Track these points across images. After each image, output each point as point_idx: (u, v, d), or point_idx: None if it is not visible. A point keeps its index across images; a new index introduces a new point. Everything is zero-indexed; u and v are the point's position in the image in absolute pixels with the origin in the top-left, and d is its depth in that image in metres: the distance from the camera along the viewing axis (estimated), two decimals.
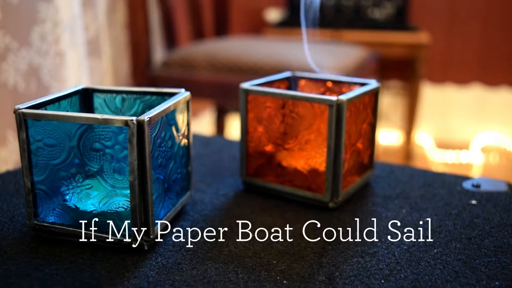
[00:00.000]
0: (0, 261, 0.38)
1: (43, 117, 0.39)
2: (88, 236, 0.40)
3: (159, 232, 0.42)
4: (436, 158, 1.93)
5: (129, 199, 0.38)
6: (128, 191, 0.38)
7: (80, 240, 0.40)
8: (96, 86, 0.48)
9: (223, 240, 0.42)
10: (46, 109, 0.41)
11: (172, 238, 0.42)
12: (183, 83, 1.11)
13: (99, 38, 1.11)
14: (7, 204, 0.48)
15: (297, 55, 1.10)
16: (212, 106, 1.66)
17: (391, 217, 0.47)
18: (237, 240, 0.42)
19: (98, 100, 0.48)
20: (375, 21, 1.93)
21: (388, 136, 2.14)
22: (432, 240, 0.43)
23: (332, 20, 1.88)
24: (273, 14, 2.08)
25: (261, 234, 0.43)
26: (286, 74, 0.57)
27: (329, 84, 0.56)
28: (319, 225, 0.45)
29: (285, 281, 0.36)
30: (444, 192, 0.53)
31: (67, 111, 0.45)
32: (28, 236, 0.42)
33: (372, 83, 0.52)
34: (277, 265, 0.39)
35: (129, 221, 0.39)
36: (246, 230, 0.44)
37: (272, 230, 0.44)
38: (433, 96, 2.16)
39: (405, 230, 0.44)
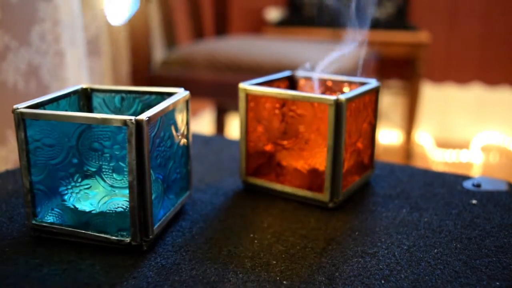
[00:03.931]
0: None
1: (41, 116, 0.38)
2: (87, 236, 0.40)
3: (158, 232, 0.42)
4: (436, 158, 1.93)
5: (128, 199, 0.38)
6: (127, 191, 0.38)
7: (79, 240, 0.40)
8: (95, 86, 0.47)
9: (223, 240, 0.42)
10: (45, 109, 0.41)
11: (171, 238, 0.42)
12: (182, 82, 1.11)
13: (99, 38, 1.11)
14: (6, 204, 0.48)
15: (297, 54, 1.09)
16: (212, 105, 1.66)
17: (391, 217, 0.47)
18: (237, 240, 0.42)
19: (97, 99, 0.48)
20: (375, 20, 1.92)
21: (388, 136, 2.13)
22: (432, 240, 0.43)
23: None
24: (273, 13, 2.08)
25: (261, 234, 0.43)
26: (286, 73, 0.57)
27: (329, 83, 0.56)
28: (319, 225, 0.45)
29: (284, 282, 0.36)
30: (445, 191, 0.53)
31: (66, 110, 0.44)
32: (27, 236, 0.42)
33: (372, 83, 0.52)
34: (276, 265, 0.38)
35: (128, 221, 0.39)
36: (246, 230, 0.44)
37: (272, 230, 0.44)
38: (433, 95, 2.15)
39: (405, 230, 0.44)
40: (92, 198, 0.40)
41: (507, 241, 0.42)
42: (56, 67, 0.88)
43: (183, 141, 0.46)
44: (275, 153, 0.51)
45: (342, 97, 0.45)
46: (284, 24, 1.92)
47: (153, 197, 0.40)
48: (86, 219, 0.40)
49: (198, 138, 0.70)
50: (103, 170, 0.39)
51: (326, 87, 0.56)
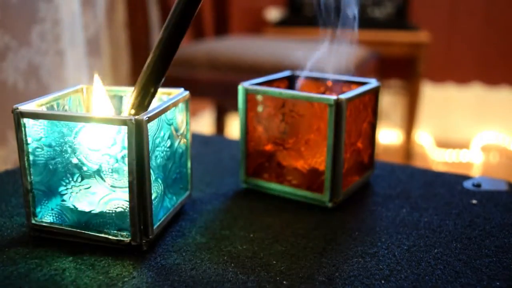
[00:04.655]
0: None
1: (41, 116, 0.38)
2: (86, 236, 0.40)
3: (158, 232, 0.42)
4: (436, 157, 1.93)
5: (128, 199, 0.38)
6: (127, 191, 0.38)
7: (79, 240, 0.40)
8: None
9: (223, 240, 0.42)
10: (45, 109, 0.41)
11: (171, 238, 0.42)
12: (182, 82, 1.11)
13: (99, 38, 1.10)
14: (6, 204, 0.48)
15: (297, 54, 1.09)
16: (212, 105, 1.66)
17: (391, 217, 0.47)
18: (237, 240, 0.42)
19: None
20: (375, 20, 1.92)
21: (388, 135, 2.13)
22: (432, 240, 0.43)
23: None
24: (273, 13, 2.08)
25: (261, 234, 0.43)
26: (286, 73, 0.57)
27: (329, 83, 0.56)
28: (319, 225, 0.45)
29: (285, 282, 0.36)
30: (445, 191, 0.53)
31: (66, 110, 0.44)
32: (26, 236, 0.42)
33: (372, 82, 0.52)
34: (276, 265, 0.38)
35: (128, 221, 0.39)
36: (246, 230, 0.44)
37: (272, 230, 0.44)
38: (433, 95, 2.15)
39: (405, 230, 0.44)
40: (92, 198, 0.40)
41: (507, 241, 0.42)
42: (56, 67, 0.88)
43: (183, 141, 0.46)
44: (275, 153, 0.51)
45: (342, 97, 0.45)
46: (284, 24, 1.92)
47: (153, 197, 0.40)
48: (86, 219, 0.40)
49: (198, 138, 0.70)
50: (103, 170, 0.39)
51: (326, 87, 0.56)
